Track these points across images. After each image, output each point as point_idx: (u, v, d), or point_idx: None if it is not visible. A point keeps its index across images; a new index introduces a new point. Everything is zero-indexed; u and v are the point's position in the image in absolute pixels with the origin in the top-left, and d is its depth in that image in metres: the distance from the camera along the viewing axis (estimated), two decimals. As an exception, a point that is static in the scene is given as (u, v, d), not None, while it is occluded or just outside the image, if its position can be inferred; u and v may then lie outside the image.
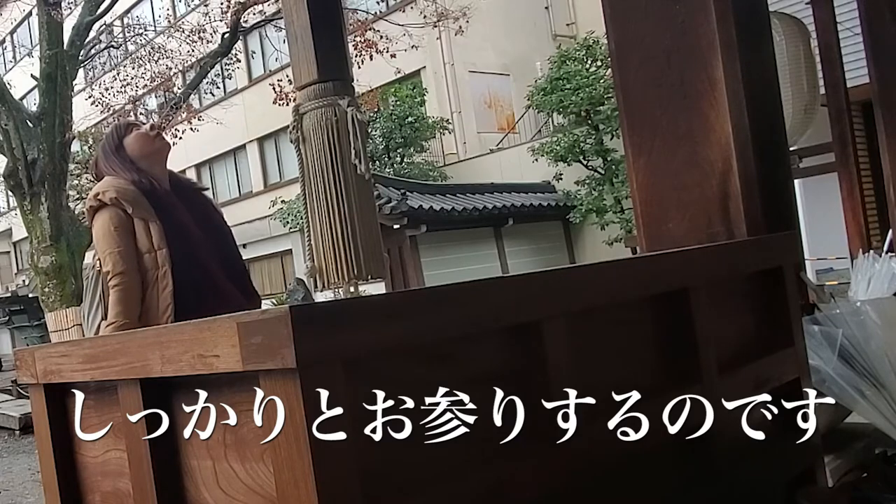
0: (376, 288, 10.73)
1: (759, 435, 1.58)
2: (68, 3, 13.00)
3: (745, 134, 1.86)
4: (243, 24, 13.04)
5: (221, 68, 16.65)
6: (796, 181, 5.86)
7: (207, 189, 2.72)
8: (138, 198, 2.43)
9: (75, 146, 15.00)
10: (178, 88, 14.69)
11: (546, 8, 18.99)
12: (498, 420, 1.07)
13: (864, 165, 5.60)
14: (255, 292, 2.57)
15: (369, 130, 15.63)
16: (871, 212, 5.65)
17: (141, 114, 15.36)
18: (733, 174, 1.85)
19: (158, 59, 14.32)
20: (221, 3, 12.91)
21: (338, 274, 2.24)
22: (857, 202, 4.34)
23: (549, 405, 1.09)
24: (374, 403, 0.92)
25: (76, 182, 16.87)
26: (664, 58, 1.94)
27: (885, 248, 3.54)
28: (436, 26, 14.06)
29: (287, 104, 13.45)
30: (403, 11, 15.98)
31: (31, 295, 20.11)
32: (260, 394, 0.86)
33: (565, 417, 1.10)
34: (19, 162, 11.03)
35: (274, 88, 13.65)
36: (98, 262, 2.53)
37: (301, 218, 15.77)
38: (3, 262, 29.75)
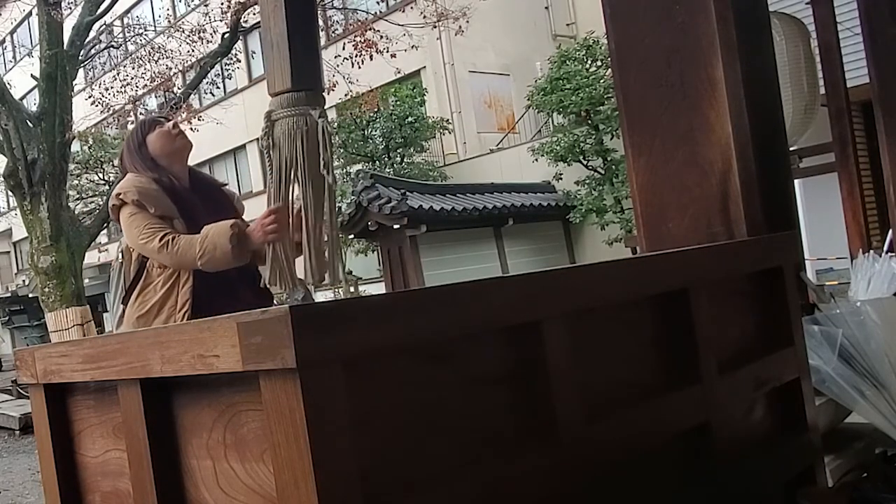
0: (376, 288, 10.72)
1: (758, 435, 1.58)
2: (68, 3, 12.99)
3: (745, 134, 1.86)
4: (243, 24, 13.01)
5: (221, 68, 16.64)
6: (796, 181, 5.84)
7: (227, 185, 2.76)
8: (160, 196, 2.48)
9: (75, 146, 15.00)
10: (178, 88, 14.68)
11: (546, 8, 18.98)
12: (498, 420, 1.07)
13: (864, 165, 5.59)
14: (269, 293, 2.58)
15: (369, 131, 15.64)
16: (871, 212, 5.64)
17: (141, 114, 15.35)
18: (733, 174, 1.85)
19: (158, 59, 14.30)
20: (221, 3, 12.89)
21: (297, 276, 2.32)
22: (857, 202, 4.34)
23: (548, 405, 1.09)
24: (374, 403, 0.92)
25: (76, 182, 16.88)
26: (664, 58, 1.94)
27: (885, 248, 3.54)
28: (436, 26, 14.05)
29: (287, 104, 13.41)
30: (403, 11, 15.97)
31: (31, 295, 20.11)
32: (260, 394, 0.86)
33: (565, 417, 1.10)
34: (19, 162, 11.02)
35: (274, 88, 13.63)
36: (121, 254, 2.58)
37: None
38: (3, 262, 29.73)
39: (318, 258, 2.22)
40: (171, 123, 2.61)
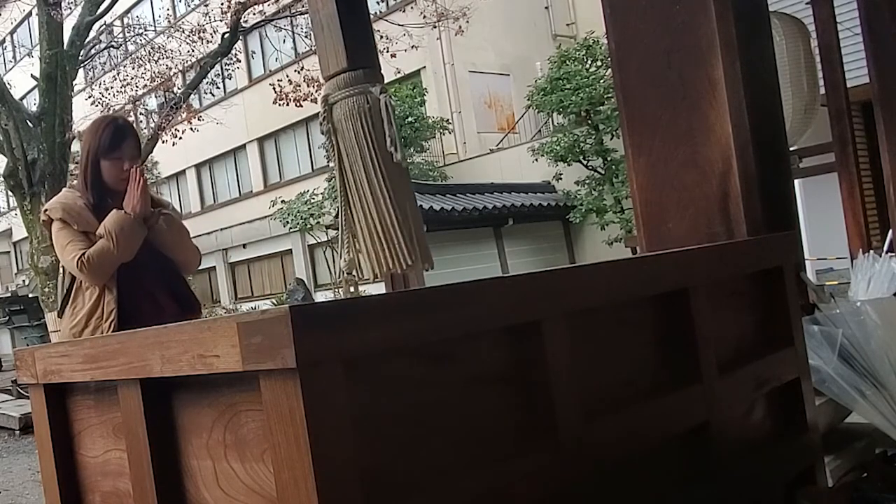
0: (376, 288, 10.72)
1: (758, 435, 1.58)
2: (68, 3, 12.99)
3: (745, 134, 1.86)
4: (243, 24, 13.03)
5: (221, 68, 16.64)
6: (796, 181, 5.85)
7: (168, 206, 2.85)
8: (83, 213, 2.60)
9: (75, 146, 14.99)
10: (178, 88, 14.68)
11: (546, 8, 18.99)
12: (498, 420, 1.07)
13: (864, 165, 5.60)
14: (195, 307, 2.76)
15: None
16: (871, 212, 5.65)
17: (141, 114, 15.35)
18: (733, 174, 1.85)
19: (158, 59, 14.31)
20: (221, 3, 12.91)
21: (388, 263, 2.21)
22: (857, 202, 4.34)
23: (548, 405, 1.09)
24: (374, 403, 0.92)
25: (76, 182, 16.85)
26: (664, 58, 1.94)
27: (885, 248, 3.54)
28: (436, 26, 14.06)
29: (287, 104, 13.44)
30: (403, 11, 15.99)
31: (31, 295, 20.11)
32: (260, 394, 0.86)
33: (565, 417, 1.10)
34: (19, 162, 11.02)
35: (274, 88, 13.66)
36: (61, 267, 2.68)
37: (301, 218, 15.64)
38: (3, 262, 29.74)
39: (420, 239, 2.16)
40: (128, 167, 2.64)
